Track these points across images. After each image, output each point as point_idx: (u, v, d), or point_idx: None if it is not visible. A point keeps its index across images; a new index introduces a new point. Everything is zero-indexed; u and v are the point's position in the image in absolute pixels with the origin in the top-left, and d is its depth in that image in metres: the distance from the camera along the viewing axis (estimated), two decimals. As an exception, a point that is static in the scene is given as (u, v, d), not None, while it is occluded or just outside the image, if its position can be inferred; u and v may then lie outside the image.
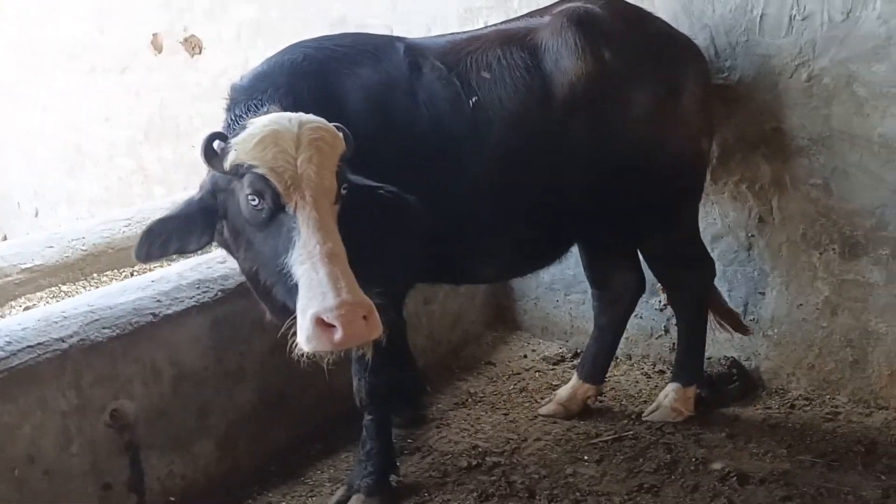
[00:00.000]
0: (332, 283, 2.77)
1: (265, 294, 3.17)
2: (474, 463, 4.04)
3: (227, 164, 3.00)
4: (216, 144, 3.04)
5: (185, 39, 6.68)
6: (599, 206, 3.87)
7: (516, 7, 4.72)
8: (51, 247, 4.95)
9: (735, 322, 4.37)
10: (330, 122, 3.17)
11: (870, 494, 3.62)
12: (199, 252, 3.54)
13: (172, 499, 3.78)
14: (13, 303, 4.58)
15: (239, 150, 2.97)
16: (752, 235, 4.41)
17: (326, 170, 2.96)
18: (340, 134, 3.07)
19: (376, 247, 3.25)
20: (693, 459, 3.96)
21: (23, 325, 3.43)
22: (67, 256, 4.93)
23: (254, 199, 2.95)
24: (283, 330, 2.90)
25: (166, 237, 3.17)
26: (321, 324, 2.75)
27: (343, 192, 3.03)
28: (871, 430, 4.09)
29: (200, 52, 6.63)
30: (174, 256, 3.45)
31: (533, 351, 5.20)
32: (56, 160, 8.17)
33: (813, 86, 4.05)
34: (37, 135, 8.25)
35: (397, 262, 3.50)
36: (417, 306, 4.87)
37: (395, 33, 5.00)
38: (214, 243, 3.37)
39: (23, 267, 4.74)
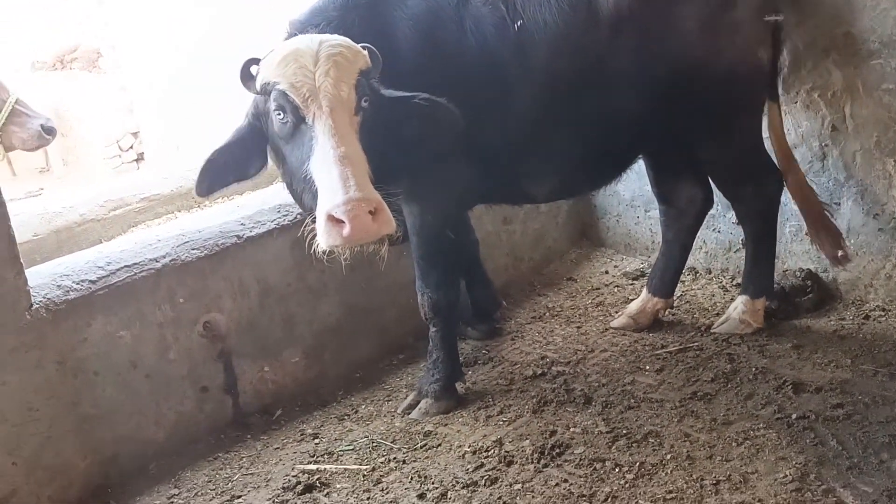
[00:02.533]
0: (342, 182, 3.00)
1: (300, 202, 3.49)
2: (540, 372, 4.25)
3: (258, 85, 3.28)
4: (252, 69, 3.32)
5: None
6: (653, 121, 3.91)
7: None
8: (166, 178, 5.45)
9: (834, 244, 4.24)
10: (380, 52, 3.41)
11: (927, 404, 3.59)
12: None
13: (279, 411, 4.18)
14: (134, 229, 5.10)
15: (265, 70, 3.25)
16: (826, 145, 4.32)
17: (344, 83, 3.17)
18: (364, 51, 3.27)
19: (417, 150, 3.48)
20: (753, 369, 4.01)
21: (121, 248, 3.90)
22: (181, 186, 5.41)
23: (279, 114, 3.23)
24: (306, 231, 3.17)
25: (224, 167, 3.47)
26: (331, 220, 3.00)
27: (364, 104, 3.23)
28: (945, 340, 4.01)
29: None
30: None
31: (615, 267, 5.31)
32: (192, 98, 8.77)
33: (883, -14, 3.90)
34: (175, 76, 8.88)
35: (441, 168, 3.71)
36: (496, 226, 5.09)
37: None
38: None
39: (142, 196, 5.25)
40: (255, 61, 3.38)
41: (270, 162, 3.62)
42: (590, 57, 3.76)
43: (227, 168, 3.49)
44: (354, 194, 3.01)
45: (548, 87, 3.78)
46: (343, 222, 3.00)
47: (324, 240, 3.08)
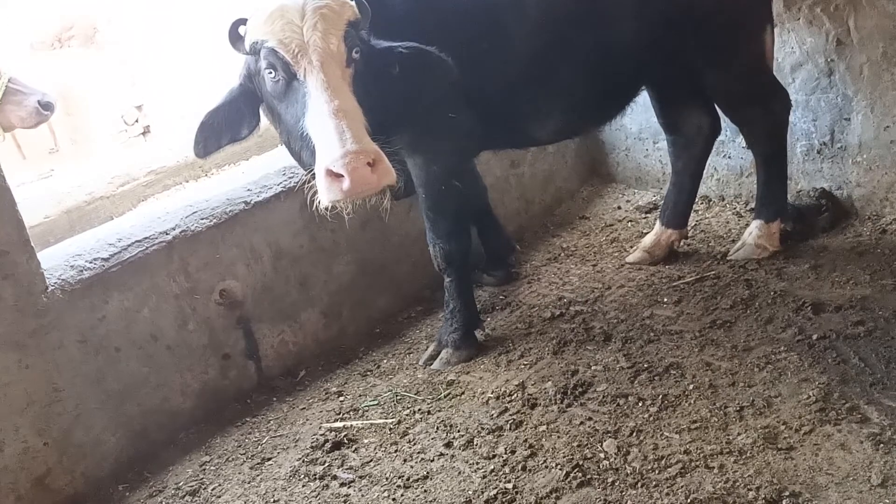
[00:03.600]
0: (338, 136, 2.98)
1: (299, 160, 3.48)
2: (558, 313, 4.25)
3: (247, 45, 3.25)
4: (240, 29, 3.29)
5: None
6: (654, 51, 3.86)
7: None
8: (171, 149, 5.43)
9: None
10: (371, 1, 3.35)
11: (949, 315, 3.56)
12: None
13: (303, 371, 4.22)
14: (143, 202, 5.09)
15: (253, 30, 3.22)
16: (832, 60, 4.24)
17: (332, 35, 3.13)
18: (352, 2, 3.23)
19: (412, 101, 3.45)
20: (772, 293, 3.98)
21: (131, 223, 3.90)
22: (187, 157, 5.38)
23: (270, 72, 3.21)
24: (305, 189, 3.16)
25: (218, 128, 3.46)
26: (330, 174, 2.99)
27: (355, 55, 3.19)
28: (964, 249, 3.97)
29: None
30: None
31: (627, 201, 5.28)
32: (196, 69, 8.74)
33: None
34: (178, 46, 8.83)
35: (442, 116, 3.67)
36: (504, 170, 5.06)
37: None
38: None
39: (148, 170, 5.24)
40: (243, 21, 3.34)
41: (264, 122, 3.60)
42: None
43: (221, 129, 3.48)
44: (351, 147, 2.99)
45: (545, 24, 3.72)
46: (342, 176, 2.98)
47: (325, 196, 3.07)
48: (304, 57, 3.14)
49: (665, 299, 4.16)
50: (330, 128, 3.03)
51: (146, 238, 3.82)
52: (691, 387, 3.47)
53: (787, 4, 4.22)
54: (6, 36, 9.95)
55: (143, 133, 9.67)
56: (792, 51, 4.31)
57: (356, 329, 4.48)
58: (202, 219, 3.98)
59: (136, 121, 9.55)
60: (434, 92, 3.49)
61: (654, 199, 5.17)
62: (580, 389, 3.61)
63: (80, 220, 4.88)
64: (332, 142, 3.01)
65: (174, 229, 3.89)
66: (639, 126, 5.15)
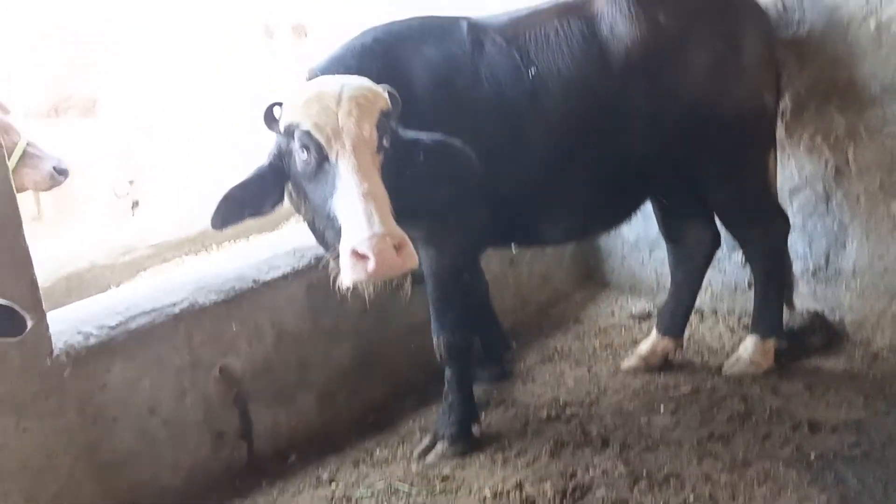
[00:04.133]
0: (366, 218, 3.04)
1: (322, 240, 3.55)
2: (554, 414, 4.26)
3: (282, 127, 3.34)
4: (275, 111, 3.39)
5: (293, 27, 7.12)
6: (663, 164, 4.00)
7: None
8: (174, 224, 5.47)
9: None
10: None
11: (943, 440, 3.64)
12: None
13: (293, 455, 4.19)
14: (143, 274, 5.11)
15: (289, 111, 3.32)
16: (830, 187, 4.42)
17: (366, 122, 3.23)
18: (385, 93, 3.35)
19: (433, 192, 3.54)
20: (768, 409, 4.04)
21: (139, 293, 3.91)
22: (189, 231, 5.44)
23: (303, 153, 3.28)
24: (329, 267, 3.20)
25: (241, 201, 3.49)
26: (356, 255, 3.02)
27: (385, 143, 3.29)
28: (954, 378, 4.08)
29: (306, 37, 7.05)
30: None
31: (621, 308, 5.36)
32: (188, 145, 8.85)
33: (882, 34, 4.03)
34: (171, 121, 8.96)
35: (459, 210, 3.76)
36: (503, 268, 5.14)
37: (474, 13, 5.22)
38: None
39: (150, 242, 5.27)
40: (278, 104, 3.44)
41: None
42: (602, 103, 3.84)
43: (245, 203, 3.51)
44: (379, 229, 3.04)
45: (562, 132, 3.86)
46: (367, 257, 3.02)
47: (348, 275, 3.09)
48: (337, 141, 3.23)
49: (662, 407, 4.20)
50: (358, 209, 3.09)
51: (154, 309, 3.82)
52: (691, 498, 3.49)
53: (789, 131, 4.42)
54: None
55: (133, 207, 9.71)
56: (791, 175, 4.50)
57: (349, 416, 4.45)
58: (210, 293, 3.99)
59: (127, 194, 9.60)
60: (456, 184, 3.58)
61: (647, 307, 5.27)
62: (579, 493, 3.60)
63: (79, 287, 4.88)
64: (359, 223, 3.06)
65: (182, 301, 3.90)
66: (636, 235, 5.28)
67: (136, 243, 5.20)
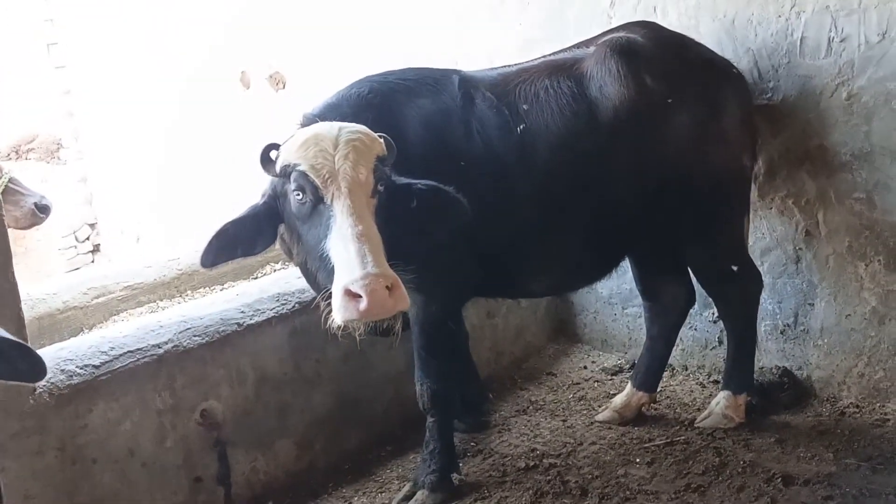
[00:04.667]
0: (360, 258, 3.09)
1: (313, 281, 3.57)
2: (532, 464, 4.30)
3: (278, 168, 3.40)
4: (272, 153, 3.45)
5: (271, 76, 7.19)
6: (645, 222, 4.12)
7: (571, 36, 4.99)
8: (149, 267, 5.45)
9: None
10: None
11: (911, 495, 3.75)
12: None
13: (270, 502, 4.16)
14: (116, 317, 5.06)
15: (286, 153, 3.39)
16: (800, 248, 4.58)
17: (362, 166, 3.31)
18: (381, 140, 3.44)
19: (424, 239, 3.61)
20: (741, 462, 4.13)
21: (124, 333, 3.88)
22: (164, 275, 5.42)
23: (298, 194, 3.34)
24: (321, 307, 3.22)
25: (232, 242, 3.52)
26: (348, 294, 3.06)
27: (380, 188, 3.37)
28: (919, 435, 4.21)
29: (284, 87, 7.12)
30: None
31: (592, 362, 5.44)
32: (155, 190, 8.81)
33: (853, 104, 4.22)
34: (138, 167, 8.93)
35: (448, 259, 3.83)
36: (481, 319, 5.19)
37: (460, 65, 5.37)
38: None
39: (125, 284, 5.24)
40: (275, 146, 3.50)
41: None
42: (590, 160, 3.96)
43: (236, 242, 3.54)
44: (372, 269, 3.09)
45: (549, 188, 3.96)
46: (360, 297, 3.06)
47: (340, 314, 3.13)
48: (333, 183, 3.30)
49: (638, 459, 4.26)
50: (352, 250, 3.14)
51: (138, 349, 3.80)
52: (671, 547, 3.55)
53: (762, 194, 4.59)
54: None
55: (93, 251, 9.62)
56: (763, 236, 4.66)
57: (327, 463, 4.43)
58: (195, 335, 3.98)
59: (88, 238, 9.52)
60: (447, 230, 3.64)
61: (619, 362, 5.35)
62: (561, 541, 3.65)
63: (51, 329, 4.82)
64: (353, 263, 3.11)
65: (166, 343, 3.89)
66: (609, 291, 5.39)
67: (110, 285, 5.15)
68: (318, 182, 3.30)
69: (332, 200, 3.29)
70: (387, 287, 3.09)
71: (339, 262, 3.18)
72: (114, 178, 9.29)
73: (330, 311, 3.17)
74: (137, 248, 8.82)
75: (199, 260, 3.61)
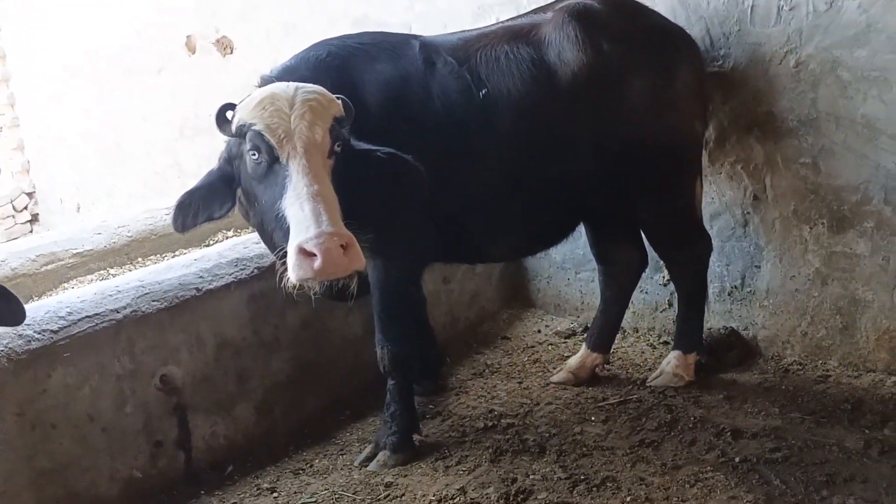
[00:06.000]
0: (314, 217, 3.12)
1: (270, 242, 3.57)
2: (490, 424, 4.38)
3: (233, 128, 3.40)
4: (228, 113, 3.45)
5: (218, 41, 7.09)
6: (601, 186, 4.20)
7: (525, 4, 5.05)
8: (99, 234, 5.38)
9: None
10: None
11: (853, 445, 3.91)
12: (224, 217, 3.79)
13: (231, 466, 4.17)
14: (66, 285, 4.98)
15: (241, 113, 3.39)
16: (748, 213, 4.72)
17: (318, 126, 3.33)
18: (339, 101, 3.44)
19: (384, 204, 3.63)
20: (692, 418, 4.26)
21: (81, 298, 3.84)
22: (115, 242, 5.35)
23: (254, 154, 3.35)
24: (277, 267, 3.26)
25: (195, 207, 3.55)
26: (303, 253, 3.10)
27: (337, 148, 3.39)
28: (859, 390, 4.38)
29: (232, 53, 7.03)
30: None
31: (546, 326, 5.54)
32: (96, 158, 8.64)
33: (800, 71, 4.35)
34: (78, 135, 8.73)
35: (408, 224, 3.88)
36: (437, 285, 5.24)
37: (413, 30, 5.38)
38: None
39: (74, 252, 5.16)
40: (231, 106, 3.49)
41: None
42: (549, 125, 4.03)
43: (199, 208, 3.57)
44: (327, 228, 3.12)
45: (509, 153, 4.02)
46: (314, 255, 3.09)
47: (294, 273, 3.15)
48: (288, 142, 3.31)
49: (593, 417, 4.37)
50: (307, 209, 3.17)
51: (97, 314, 3.78)
52: (629, 499, 3.66)
53: (712, 159, 4.71)
54: None
55: (31, 221, 9.41)
56: (712, 201, 4.78)
57: (287, 427, 4.45)
58: (153, 300, 3.96)
59: (26, 208, 9.30)
60: (404, 197, 3.67)
61: (572, 325, 5.46)
62: (521, 496, 3.73)
63: None
64: (307, 222, 3.14)
65: (125, 308, 3.86)
66: (562, 256, 5.49)
67: (60, 252, 5.06)
68: (273, 142, 3.31)
69: (287, 160, 3.30)
70: (342, 246, 3.12)
71: (294, 222, 3.19)
72: (52, 146, 9.07)
73: (285, 271, 3.20)
74: (78, 218, 8.64)
75: (172, 226, 3.62)
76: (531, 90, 3.98)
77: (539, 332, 5.48)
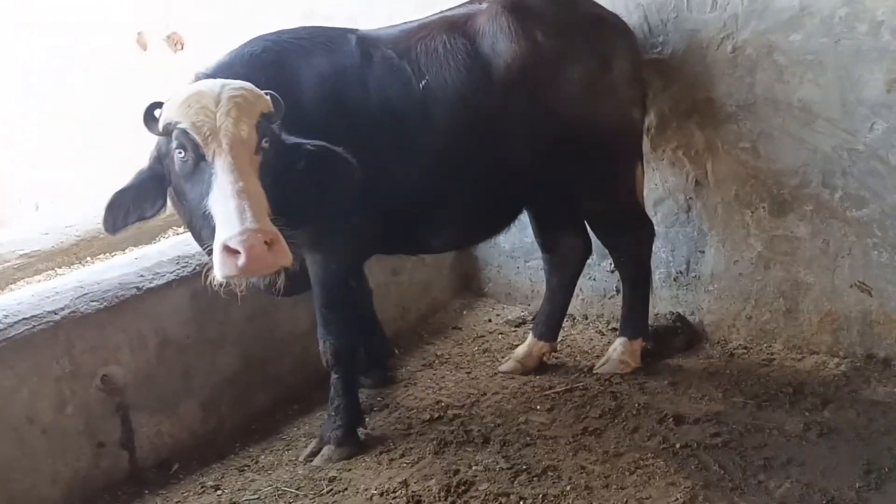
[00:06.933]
0: (238, 214, 3.10)
1: (199, 239, 3.56)
2: (436, 416, 4.39)
3: (161, 126, 3.37)
4: (155, 112, 3.41)
5: (168, 37, 7.03)
6: (540, 175, 4.21)
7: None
8: (46, 234, 5.32)
9: None
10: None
11: (792, 429, 3.96)
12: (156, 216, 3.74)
13: (177, 464, 4.16)
14: (13, 286, 4.93)
15: (168, 111, 3.35)
16: (691, 198, 4.75)
17: (244, 122, 3.29)
18: (267, 97, 3.42)
19: (318, 198, 3.62)
20: (636, 405, 4.30)
21: (18, 300, 3.81)
22: (62, 242, 5.30)
23: (180, 152, 3.32)
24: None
25: (126, 207, 3.52)
26: (227, 250, 3.08)
27: (265, 144, 3.36)
28: (802, 372, 4.44)
29: (182, 48, 6.98)
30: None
31: (497, 315, 5.56)
32: (54, 157, 8.55)
33: (737, 56, 4.37)
34: (35, 133, 8.64)
35: (345, 217, 3.86)
36: (386, 277, 5.24)
37: (360, 22, 5.33)
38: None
39: (21, 252, 5.11)
40: (158, 105, 3.46)
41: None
42: (485, 116, 4.02)
43: (129, 208, 3.54)
44: (251, 225, 3.09)
45: (446, 144, 4.01)
46: (239, 252, 3.07)
47: (219, 270, 3.14)
48: (214, 140, 3.27)
49: (538, 406, 4.40)
50: (232, 206, 3.14)
51: (34, 316, 3.75)
52: (568, 487, 3.69)
53: (654, 145, 4.73)
54: None
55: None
56: (655, 187, 4.81)
57: (234, 423, 4.44)
58: (92, 301, 3.93)
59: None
60: (337, 190, 3.66)
61: (522, 314, 5.48)
62: (463, 488, 3.75)
63: (-57, 298, 4.66)
64: (232, 219, 3.12)
65: (63, 309, 3.83)
66: (511, 245, 5.50)
67: (5, 254, 5.02)
68: (198, 139, 3.28)
69: (213, 158, 3.27)
70: (267, 242, 3.10)
71: (220, 219, 3.17)
72: (8, 144, 8.97)
73: (212, 268, 3.18)
74: (36, 217, 8.55)
75: (104, 227, 3.57)
76: (467, 81, 3.97)
77: (490, 321, 5.50)
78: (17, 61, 8.51)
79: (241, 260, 3.06)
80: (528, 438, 4.11)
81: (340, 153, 3.54)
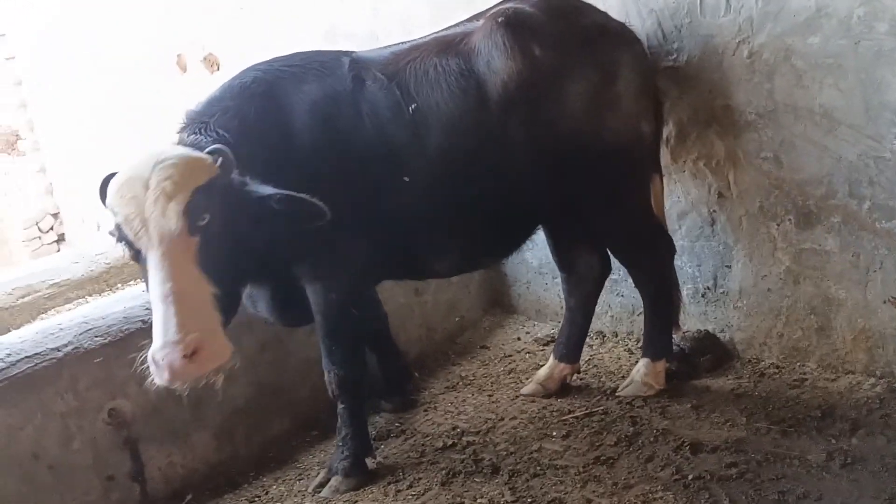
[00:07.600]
0: (162, 325, 3.06)
1: None
2: (450, 443, 4.29)
3: (107, 208, 3.30)
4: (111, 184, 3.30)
5: (205, 58, 7.11)
6: (547, 196, 4.06)
7: (481, 5, 4.89)
8: (76, 262, 5.44)
9: None
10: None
11: (814, 458, 3.70)
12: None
13: (190, 495, 4.16)
14: (43, 315, 5.06)
15: (110, 196, 3.24)
16: (714, 211, 4.52)
17: (171, 210, 3.12)
18: (208, 160, 3.27)
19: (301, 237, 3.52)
20: (655, 431, 4.10)
21: (22, 338, 3.88)
22: (92, 270, 5.41)
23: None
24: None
25: None
26: (154, 362, 3.09)
27: (201, 223, 3.18)
28: (833, 394, 4.16)
29: (219, 69, 7.05)
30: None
31: (527, 333, 5.42)
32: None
33: (754, 62, 4.13)
34: (92, 155, 8.90)
35: (339, 247, 3.78)
36: (409, 298, 5.17)
37: (379, 37, 5.31)
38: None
39: (51, 282, 5.23)
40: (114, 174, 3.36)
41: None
42: (483, 137, 3.88)
43: None
44: (172, 337, 3.05)
45: (442, 166, 3.89)
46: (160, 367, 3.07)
47: (154, 378, 3.17)
48: (145, 233, 3.15)
49: (554, 433, 4.25)
50: (157, 315, 3.10)
51: (36, 354, 3.81)
52: (572, 522, 3.55)
53: (674, 157, 4.52)
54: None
55: (57, 241, 9.63)
56: (678, 200, 4.59)
57: (249, 453, 4.44)
58: (97, 336, 3.98)
59: (51, 228, 9.52)
60: (308, 233, 3.49)
61: (552, 331, 5.32)
62: (464, 522, 3.66)
63: (-25, 331, 4.81)
64: (156, 330, 3.10)
65: (66, 346, 3.88)
66: (539, 261, 5.35)
67: (36, 284, 5.15)
68: (130, 235, 3.19)
69: (146, 252, 3.18)
70: (186, 356, 3.05)
71: (153, 322, 3.14)
72: (71, 166, 9.26)
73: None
74: (97, 237, 8.80)
75: None
76: (461, 103, 3.84)
77: (519, 339, 5.37)
78: (72, 87, 8.77)
79: (164, 375, 3.07)
80: (538, 468, 3.97)
81: (306, 199, 3.37)
